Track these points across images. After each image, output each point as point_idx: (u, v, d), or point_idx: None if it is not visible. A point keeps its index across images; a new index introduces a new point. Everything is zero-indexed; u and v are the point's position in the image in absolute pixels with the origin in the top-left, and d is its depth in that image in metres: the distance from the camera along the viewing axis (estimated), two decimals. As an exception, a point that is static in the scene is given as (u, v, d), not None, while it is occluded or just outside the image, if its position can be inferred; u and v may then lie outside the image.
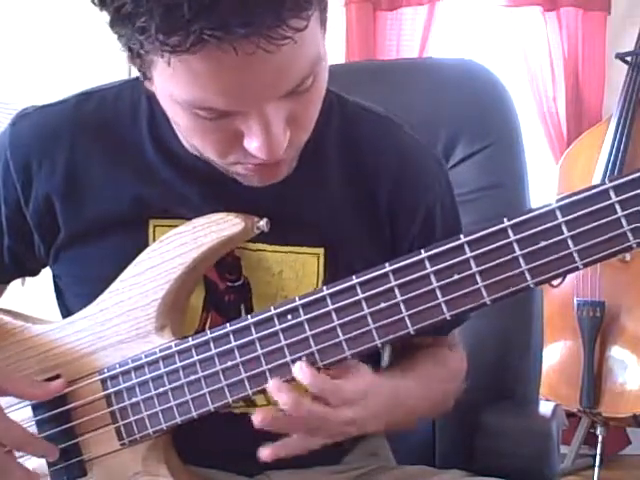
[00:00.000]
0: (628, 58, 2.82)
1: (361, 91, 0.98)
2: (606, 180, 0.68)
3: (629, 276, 2.60)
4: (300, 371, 0.76)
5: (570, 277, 2.60)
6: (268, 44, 0.66)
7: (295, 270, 0.90)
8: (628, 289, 2.59)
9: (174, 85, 0.71)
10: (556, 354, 2.63)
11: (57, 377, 0.88)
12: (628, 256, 2.58)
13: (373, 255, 0.90)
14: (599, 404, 2.53)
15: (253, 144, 0.74)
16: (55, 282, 0.97)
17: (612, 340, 2.58)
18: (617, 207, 0.68)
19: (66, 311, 0.96)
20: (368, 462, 1.01)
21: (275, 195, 0.87)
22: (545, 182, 2.88)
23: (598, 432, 2.60)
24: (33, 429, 0.88)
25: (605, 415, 2.54)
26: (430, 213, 0.93)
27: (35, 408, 0.88)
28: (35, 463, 0.89)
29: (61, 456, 0.87)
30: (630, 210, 0.67)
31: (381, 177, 0.91)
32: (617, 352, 2.57)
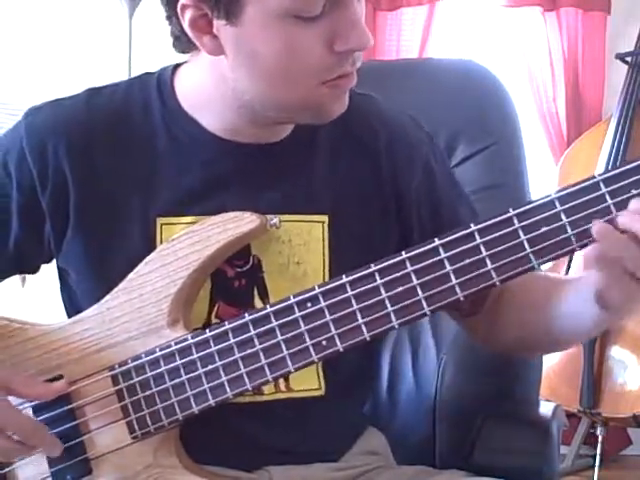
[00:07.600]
0: (628, 58, 2.82)
1: (361, 91, 0.99)
2: (596, 174, 0.78)
3: (629, 276, 2.60)
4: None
5: (570, 277, 2.60)
6: None
7: (303, 237, 0.93)
8: (628, 289, 2.58)
9: None
10: (556, 354, 2.63)
11: (59, 377, 0.88)
12: (628, 256, 2.58)
13: (376, 216, 0.97)
14: (599, 404, 2.53)
15: (351, 35, 0.82)
16: (63, 278, 0.97)
17: (612, 340, 2.57)
18: (607, 196, 0.77)
19: (72, 307, 0.96)
20: (367, 461, 1.02)
21: (279, 171, 0.93)
22: (545, 182, 2.89)
23: (598, 432, 2.60)
24: None
25: (605, 415, 2.54)
26: (427, 165, 1.00)
27: (36, 410, 0.87)
28: (37, 467, 0.88)
29: (64, 456, 0.87)
30: (618, 199, 0.76)
31: (375, 141, 0.98)
32: (617, 352, 2.57)
